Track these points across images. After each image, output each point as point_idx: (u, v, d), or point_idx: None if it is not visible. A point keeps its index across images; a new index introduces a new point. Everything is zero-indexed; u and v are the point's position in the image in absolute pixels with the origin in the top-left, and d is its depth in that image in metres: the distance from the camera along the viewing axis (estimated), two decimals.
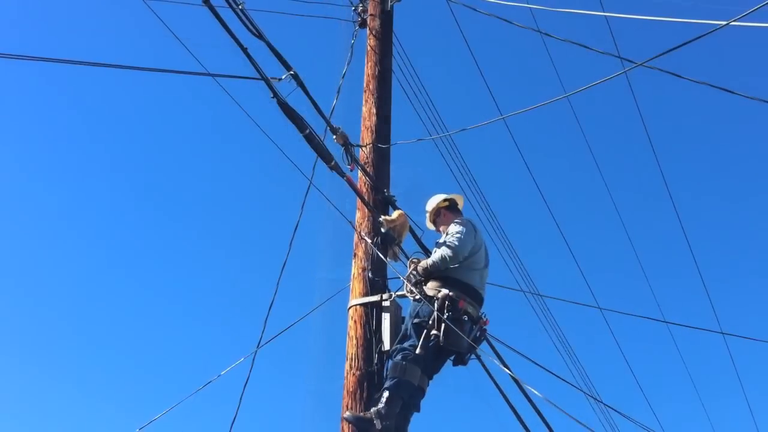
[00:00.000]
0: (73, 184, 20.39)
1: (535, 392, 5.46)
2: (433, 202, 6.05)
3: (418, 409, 5.24)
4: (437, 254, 5.47)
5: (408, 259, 5.88)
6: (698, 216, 22.84)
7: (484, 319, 5.49)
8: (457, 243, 5.44)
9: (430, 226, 6.10)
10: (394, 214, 6.01)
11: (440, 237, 5.75)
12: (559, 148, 22.43)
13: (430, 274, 5.50)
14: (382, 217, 5.93)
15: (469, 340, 5.28)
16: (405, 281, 5.55)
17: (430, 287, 5.40)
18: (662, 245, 21.33)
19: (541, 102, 5.99)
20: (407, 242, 6.09)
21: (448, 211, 5.98)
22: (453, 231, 5.56)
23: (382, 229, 5.88)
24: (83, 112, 19.84)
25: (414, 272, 5.55)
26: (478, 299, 5.50)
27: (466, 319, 5.29)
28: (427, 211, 6.07)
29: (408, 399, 5.11)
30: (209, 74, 5.37)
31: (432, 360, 5.29)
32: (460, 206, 6.13)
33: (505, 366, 5.64)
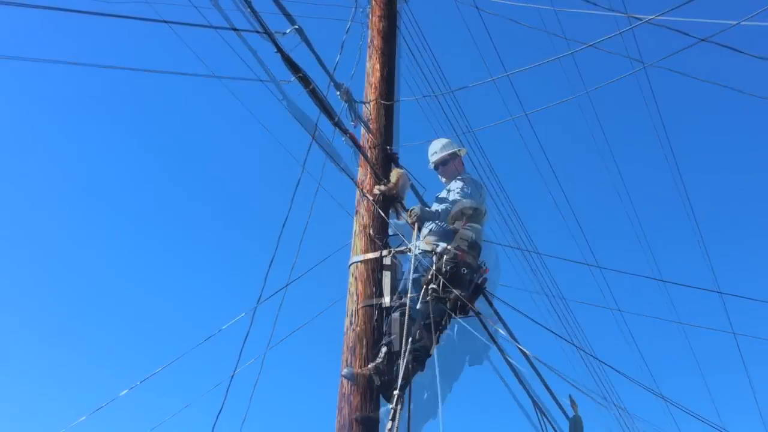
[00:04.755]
0: (82, 178, 20.60)
1: (527, 353, 5.57)
2: (445, 145, 6.01)
3: (422, 368, 5.19)
4: (438, 206, 5.49)
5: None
6: (712, 215, 22.88)
7: (485, 268, 5.51)
8: (459, 198, 5.46)
9: (433, 166, 6.08)
10: (392, 177, 5.89)
11: (441, 191, 5.74)
12: (568, 136, 22.27)
13: (423, 221, 5.54)
14: (376, 187, 5.81)
15: (470, 291, 5.29)
16: (412, 224, 5.54)
17: (428, 242, 5.41)
18: (675, 243, 21.38)
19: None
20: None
21: (460, 161, 6.02)
22: (456, 188, 5.56)
23: (380, 195, 5.77)
24: (91, 109, 19.89)
25: (410, 218, 5.57)
26: (476, 249, 5.51)
27: (465, 271, 5.30)
28: (435, 152, 6.04)
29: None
30: (211, 26, 5.31)
31: (434, 315, 5.27)
32: None
33: (504, 325, 5.69)
